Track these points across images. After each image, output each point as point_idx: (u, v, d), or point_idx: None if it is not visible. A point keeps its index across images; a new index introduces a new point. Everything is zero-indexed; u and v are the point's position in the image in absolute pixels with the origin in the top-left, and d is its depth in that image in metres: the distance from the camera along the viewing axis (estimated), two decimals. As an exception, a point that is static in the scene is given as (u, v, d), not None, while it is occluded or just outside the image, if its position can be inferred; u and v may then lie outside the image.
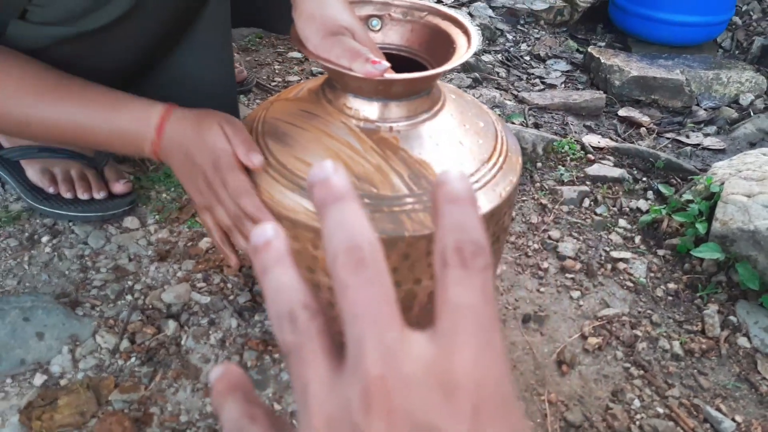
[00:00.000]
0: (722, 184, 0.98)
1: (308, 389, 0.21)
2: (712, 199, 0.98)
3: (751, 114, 1.50)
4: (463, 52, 0.60)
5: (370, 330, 0.20)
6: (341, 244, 0.21)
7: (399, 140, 0.61)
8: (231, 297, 0.83)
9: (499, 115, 1.32)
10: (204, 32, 0.84)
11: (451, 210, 0.22)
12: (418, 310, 0.62)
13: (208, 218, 0.69)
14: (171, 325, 0.78)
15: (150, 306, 0.81)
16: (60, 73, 0.70)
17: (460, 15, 0.67)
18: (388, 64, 0.54)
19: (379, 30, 0.68)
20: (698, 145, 1.37)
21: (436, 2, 1.91)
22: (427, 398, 0.19)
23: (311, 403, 0.21)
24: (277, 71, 1.44)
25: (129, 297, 0.82)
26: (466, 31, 0.64)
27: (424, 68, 0.67)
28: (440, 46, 0.65)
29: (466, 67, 1.54)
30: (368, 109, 0.61)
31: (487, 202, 0.60)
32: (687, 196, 1.04)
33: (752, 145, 1.36)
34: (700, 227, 0.95)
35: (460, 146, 0.62)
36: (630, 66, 1.57)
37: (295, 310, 0.22)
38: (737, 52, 1.86)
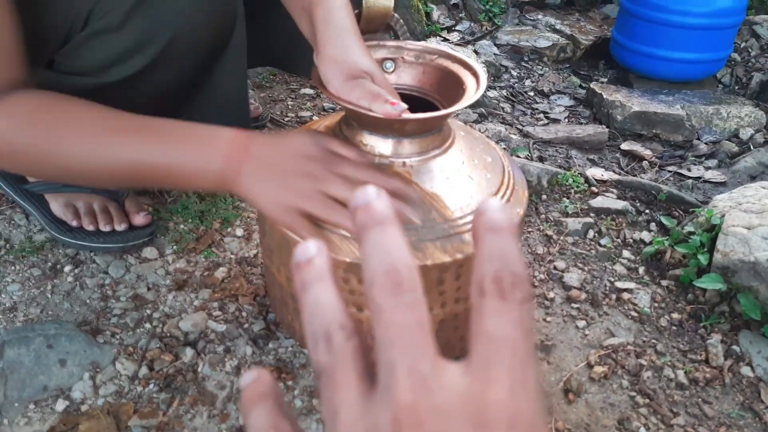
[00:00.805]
0: (723, 216, 1.01)
1: (338, 414, 0.20)
2: (713, 231, 1.01)
3: (751, 148, 1.53)
4: (473, 93, 0.64)
5: (403, 356, 0.20)
6: (379, 267, 0.21)
7: (411, 174, 0.64)
8: (246, 325, 0.86)
9: (505, 148, 1.36)
10: (222, 78, 0.88)
11: (491, 239, 0.21)
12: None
13: (297, 216, 0.62)
14: (188, 353, 0.81)
15: (168, 334, 0.84)
16: (115, 112, 0.68)
17: (468, 56, 0.71)
18: (405, 106, 0.58)
19: (392, 71, 0.73)
20: (699, 178, 1.40)
21: (442, 40, 1.97)
22: (458, 431, 0.19)
23: (340, 429, 0.20)
24: (290, 107, 1.49)
25: (147, 325, 0.85)
26: (474, 73, 0.67)
27: (435, 107, 0.71)
28: (451, 86, 0.69)
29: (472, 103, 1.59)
30: (383, 146, 0.65)
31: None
32: (689, 228, 1.06)
33: (753, 178, 1.39)
34: (702, 258, 0.97)
35: (470, 180, 0.66)
36: (632, 101, 1.61)
37: (332, 331, 0.21)
38: (737, 87, 1.91)
